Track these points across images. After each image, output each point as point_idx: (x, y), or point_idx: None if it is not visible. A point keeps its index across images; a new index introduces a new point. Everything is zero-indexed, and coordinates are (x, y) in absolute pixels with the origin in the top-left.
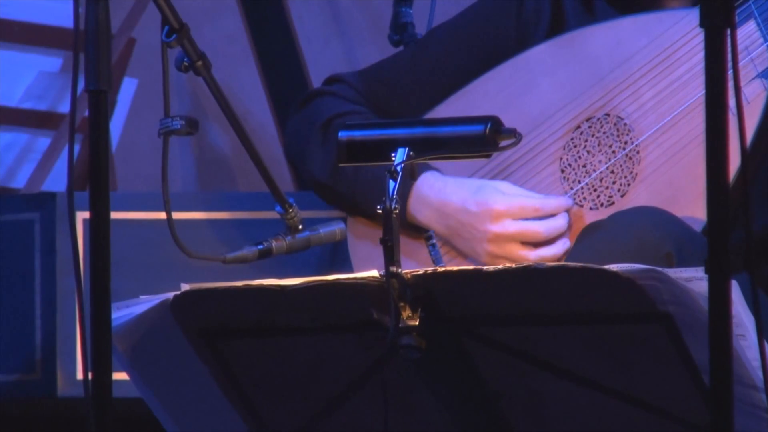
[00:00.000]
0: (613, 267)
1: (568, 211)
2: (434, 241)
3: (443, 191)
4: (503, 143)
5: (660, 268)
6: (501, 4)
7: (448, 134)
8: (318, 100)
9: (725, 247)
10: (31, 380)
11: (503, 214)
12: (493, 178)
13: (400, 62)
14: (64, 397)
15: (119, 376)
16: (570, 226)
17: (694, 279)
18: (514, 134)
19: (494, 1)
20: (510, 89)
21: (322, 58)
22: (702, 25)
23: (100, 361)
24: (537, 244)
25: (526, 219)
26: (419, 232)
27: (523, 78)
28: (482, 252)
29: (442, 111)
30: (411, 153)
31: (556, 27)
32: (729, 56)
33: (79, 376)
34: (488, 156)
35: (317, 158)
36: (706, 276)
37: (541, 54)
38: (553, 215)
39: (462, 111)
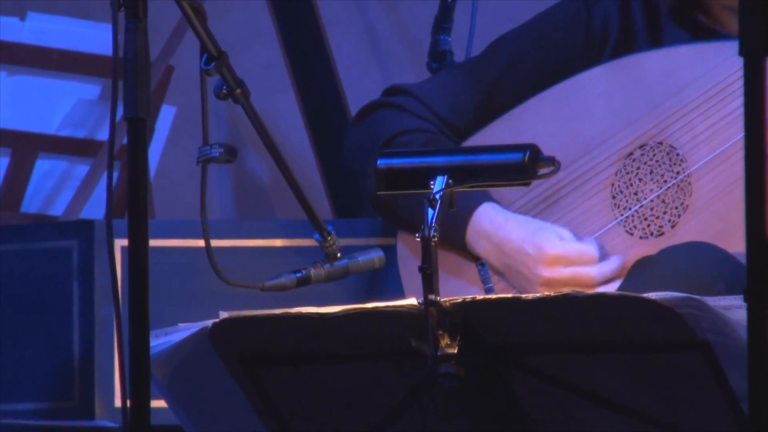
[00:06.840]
0: (652, 295)
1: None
2: (484, 262)
3: (503, 228)
4: (542, 171)
5: (698, 297)
6: (570, 17)
7: (486, 162)
8: (381, 111)
9: (765, 275)
10: (68, 407)
11: (557, 260)
12: (545, 201)
13: (463, 74)
14: (102, 425)
15: (157, 403)
16: (624, 268)
17: (733, 307)
18: (553, 162)
19: (563, 13)
20: (563, 112)
21: (361, 85)
22: (741, 53)
23: (138, 388)
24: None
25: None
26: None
27: (578, 101)
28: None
29: (493, 131)
30: (450, 181)
31: (625, 43)
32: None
33: (117, 403)
34: (527, 184)
35: None
36: (745, 304)
37: (596, 77)
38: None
39: (514, 132)
